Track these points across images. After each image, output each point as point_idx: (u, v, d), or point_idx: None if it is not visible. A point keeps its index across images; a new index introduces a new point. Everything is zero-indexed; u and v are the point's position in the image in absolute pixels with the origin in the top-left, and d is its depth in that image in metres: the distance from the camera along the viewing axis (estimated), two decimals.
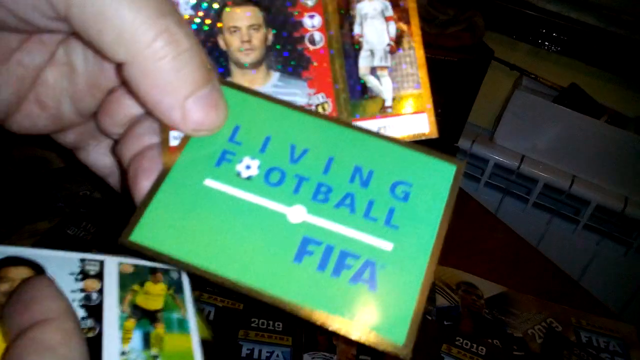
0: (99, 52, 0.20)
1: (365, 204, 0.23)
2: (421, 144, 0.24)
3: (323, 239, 0.22)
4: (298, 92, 0.21)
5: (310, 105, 0.22)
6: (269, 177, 0.23)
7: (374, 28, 0.22)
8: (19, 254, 0.20)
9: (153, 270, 0.23)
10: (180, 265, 0.21)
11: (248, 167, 0.23)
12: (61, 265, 0.21)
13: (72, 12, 0.19)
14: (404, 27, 0.22)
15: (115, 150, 0.24)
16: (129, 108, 0.23)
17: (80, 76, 0.23)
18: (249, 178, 0.22)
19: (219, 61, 0.22)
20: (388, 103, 0.22)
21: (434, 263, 0.22)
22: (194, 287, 0.24)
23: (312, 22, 0.22)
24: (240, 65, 0.22)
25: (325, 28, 0.22)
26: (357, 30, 0.22)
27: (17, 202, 0.54)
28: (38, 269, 0.20)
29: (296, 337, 0.51)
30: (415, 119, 0.22)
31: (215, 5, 0.22)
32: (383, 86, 0.22)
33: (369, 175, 0.23)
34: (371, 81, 0.22)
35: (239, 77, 0.22)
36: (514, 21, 1.06)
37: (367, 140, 0.23)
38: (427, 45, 0.72)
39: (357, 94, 0.22)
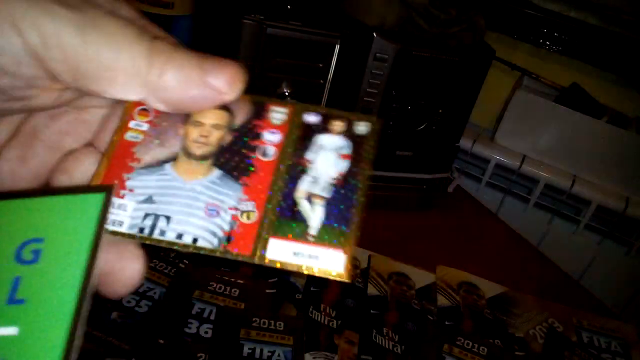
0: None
1: None
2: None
3: None
4: (230, 194, 0.22)
5: (237, 209, 0.22)
6: None
7: (326, 159, 0.23)
8: None
9: None
10: None
11: None
12: None
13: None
14: (355, 169, 0.23)
15: None
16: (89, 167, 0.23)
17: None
18: None
19: (171, 142, 0.23)
20: (312, 231, 0.21)
21: (79, 321, 0.18)
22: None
23: (271, 138, 0.23)
24: (188, 154, 0.23)
25: (281, 146, 0.23)
26: (308, 156, 0.23)
27: None
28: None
29: (297, 337, 0.51)
30: (332, 255, 0.21)
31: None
32: (313, 213, 0.22)
33: None
34: (304, 205, 0.22)
35: (182, 164, 0.23)
36: (515, 21, 1.06)
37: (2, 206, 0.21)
38: (428, 44, 0.71)
39: (286, 214, 0.22)
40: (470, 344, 0.56)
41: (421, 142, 0.73)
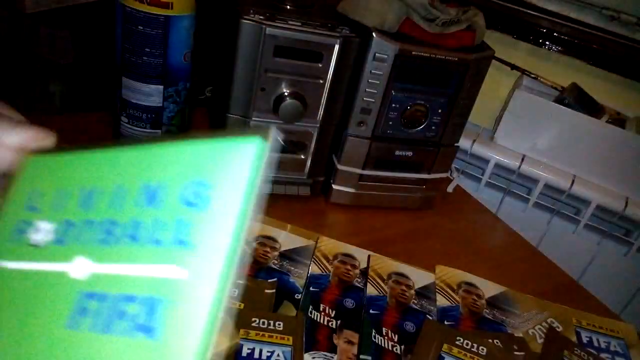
0: None
1: (150, 227, 0.19)
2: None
3: (102, 288, 0.19)
4: None
5: None
6: (59, 233, 0.21)
7: None
8: None
9: None
10: None
11: (38, 231, 0.22)
12: None
13: None
14: None
15: None
16: None
17: None
18: (36, 244, 0.21)
19: None
20: None
21: (236, 272, 0.18)
22: None
23: None
24: None
25: None
26: None
27: None
28: None
29: (297, 337, 0.51)
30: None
31: None
32: None
33: (157, 189, 0.20)
34: None
35: None
36: (515, 21, 1.06)
37: (156, 151, 0.21)
38: (428, 44, 0.71)
39: None
40: (470, 344, 0.56)
41: (421, 142, 0.73)
